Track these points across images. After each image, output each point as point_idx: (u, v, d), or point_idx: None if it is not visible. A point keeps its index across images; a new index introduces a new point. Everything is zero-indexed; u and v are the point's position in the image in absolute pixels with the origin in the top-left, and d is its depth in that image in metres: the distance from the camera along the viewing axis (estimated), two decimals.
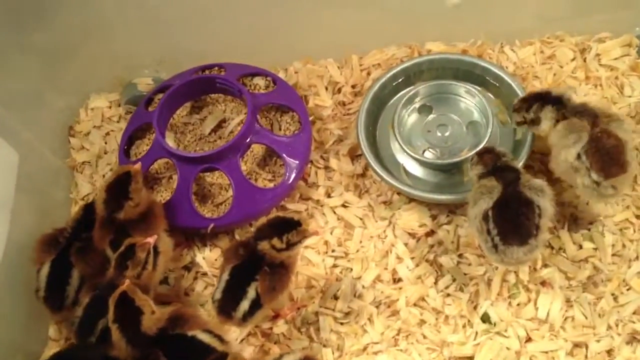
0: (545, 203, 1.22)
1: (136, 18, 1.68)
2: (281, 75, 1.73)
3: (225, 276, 1.27)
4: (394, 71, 1.61)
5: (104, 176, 1.70)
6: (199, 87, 1.62)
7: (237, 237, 1.54)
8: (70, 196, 1.69)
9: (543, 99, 1.33)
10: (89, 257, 1.38)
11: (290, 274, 1.28)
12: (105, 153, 1.74)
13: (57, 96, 1.77)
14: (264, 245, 1.24)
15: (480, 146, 1.44)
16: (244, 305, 1.25)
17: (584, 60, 1.64)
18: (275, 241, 1.23)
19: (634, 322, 1.31)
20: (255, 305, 1.25)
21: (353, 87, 1.70)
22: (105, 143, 1.76)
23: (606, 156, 1.24)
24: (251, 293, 1.25)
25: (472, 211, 1.27)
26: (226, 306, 1.26)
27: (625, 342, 1.29)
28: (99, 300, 1.26)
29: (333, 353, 1.37)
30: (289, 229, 1.23)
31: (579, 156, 1.25)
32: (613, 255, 1.39)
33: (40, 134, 1.67)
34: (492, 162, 1.29)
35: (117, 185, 1.37)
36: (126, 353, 1.18)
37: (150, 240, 1.29)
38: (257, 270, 1.25)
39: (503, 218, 1.22)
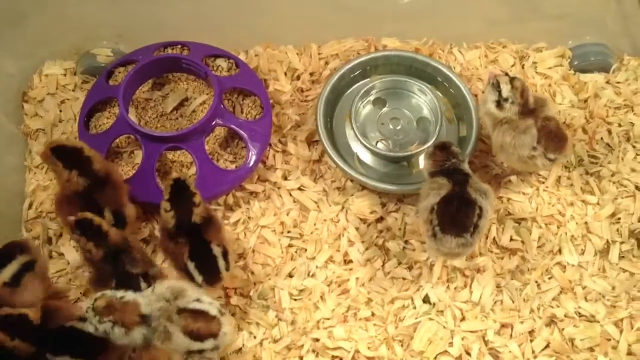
0: (487, 205, 1.36)
1: None
2: (242, 57, 1.78)
3: None
4: (352, 64, 1.71)
5: None
6: (164, 65, 1.65)
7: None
8: (25, 163, 1.69)
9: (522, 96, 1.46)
10: None
11: None
12: (60, 121, 1.74)
13: (10, 60, 1.74)
14: None
15: (430, 143, 1.57)
16: None
17: (522, 67, 1.80)
18: None
19: (552, 307, 1.49)
20: None
21: (311, 74, 1.78)
22: (60, 111, 1.76)
23: (555, 137, 1.44)
24: None
25: (422, 204, 1.39)
26: None
27: (545, 324, 1.47)
28: None
29: (287, 327, 1.48)
30: None
31: (534, 147, 1.44)
32: (538, 247, 1.56)
33: None
34: (442, 161, 1.40)
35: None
36: None
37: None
38: None
39: (445, 211, 1.34)
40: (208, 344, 1.23)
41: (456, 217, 1.34)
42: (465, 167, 1.40)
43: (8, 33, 1.69)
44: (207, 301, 1.26)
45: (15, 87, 1.76)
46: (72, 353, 1.22)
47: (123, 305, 1.18)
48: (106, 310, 1.17)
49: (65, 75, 1.80)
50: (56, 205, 1.44)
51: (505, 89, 1.44)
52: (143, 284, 1.32)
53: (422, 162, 1.47)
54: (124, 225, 1.43)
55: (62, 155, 1.37)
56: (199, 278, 1.33)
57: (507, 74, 1.47)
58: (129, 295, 1.21)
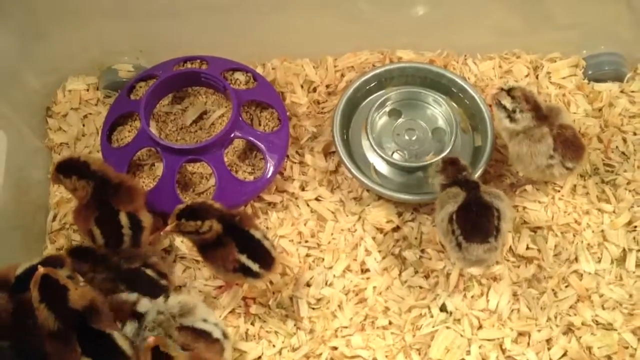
0: (504, 207, 1.38)
1: (111, 2, 1.72)
2: (259, 70, 1.82)
3: None
4: (368, 76, 1.73)
5: None
6: (184, 79, 1.69)
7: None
8: (49, 176, 1.73)
9: (529, 101, 1.47)
10: None
11: None
12: (84, 135, 1.79)
13: (34, 76, 1.79)
14: None
15: (445, 152, 1.60)
16: None
17: (537, 77, 1.82)
18: None
19: (570, 315, 1.50)
20: None
21: (327, 86, 1.81)
22: (83, 125, 1.80)
23: (572, 146, 1.45)
24: None
25: (439, 215, 1.41)
26: None
27: (562, 332, 1.48)
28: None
29: (306, 336, 1.50)
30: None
31: (551, 156, 1.44)
32: (554, 255, 1.57)
33: (19, 114, 1.71)
34: (454, 175, 1.43)
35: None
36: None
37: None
38: None
39: (466, 219, 1.36)
40: None
41: (478, 222, 1.36)
42: (474, 178, 1.41)
43: (32, 50, 1.74)
44: (212, 322, 1.29)
45: (39, 103, 1.81)
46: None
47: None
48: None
49: (88, 90, 1.85)
50: (74, 216, 1.49)
51: (508, 102, 1.46)
52: None
53: (432, 176, 1.48)
54: (141, 230, 1.47)
55: (63, 169, 1.43)
56: (255, 267, 1.36)
57: (502, 88, 1.49)
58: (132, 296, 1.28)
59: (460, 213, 1.37)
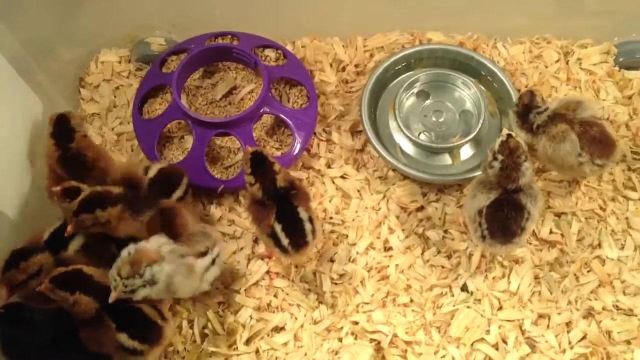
0: (535, 210, 1.36)
1: None
2: (289, 48, 1.83)
3: None
4: (397, 57, 1.74)
5: (113, 129, 1.78)
6: (216, 54, 1.71)
7: (240, 198, 1.66)
8: None
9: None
10: None
11: None
12: (115, 107, 1.82)
13: (68, 47, 1.82)
14: None
15: (472, 135, 1.61)
16: None
17: (567, 62, 1.81)
18: None
19: (590, 300, 1.51)
20: None
21: (356, 66, 1.82)
22: (115, 97, 1.83)
23: (600, 143, 1.43)
24: None
25: (470, 202, 1.41)
26: None
27: (582, 316, 1.49)
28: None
29: (327, 310, 1.53)
30: None
31: (579, 154, 1.43)
32: (577, 241, 1.57)
33: (54, 84, 1.74)
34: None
35: (60, 124, 1.46)
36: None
37: None
38: None
39: (494, 217, 1.35)
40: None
41: (506, 224, 1.35)
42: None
43: (66, 22, 1.77)
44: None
45: (73, 73, 1.85)
46: (131, 333, 1.29)
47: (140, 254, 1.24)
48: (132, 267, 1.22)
49: (120, 62, 1.88)
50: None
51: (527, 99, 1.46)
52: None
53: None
54: None
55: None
56: (285, 241, 1.35)
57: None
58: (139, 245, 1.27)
59: (491, 210, 1.36)
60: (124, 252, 1.24)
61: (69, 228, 1.31)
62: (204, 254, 1.34)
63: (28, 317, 1.24)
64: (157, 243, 1.29)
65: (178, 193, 1.45)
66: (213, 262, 1.36)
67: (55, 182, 1.42)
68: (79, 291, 1.23)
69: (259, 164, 1.35)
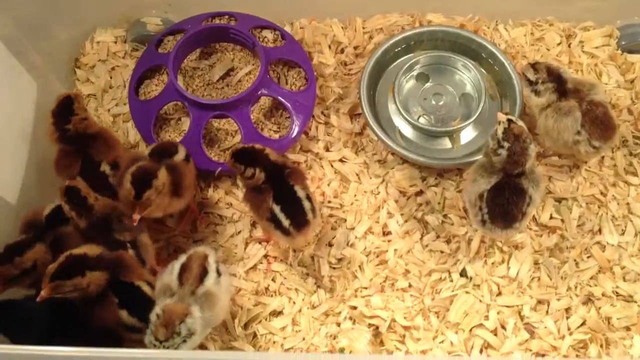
0: (537, 195, 1.35)
1: None
2: (287, 29, 1.80)
3: None
4: (397, 38, 1.72)
5: (108, 110, 1.76)
6: (213, 35, 1.68)
7: (238, 181, 1.64)
8: None
9: (551, 74, 1.47)
10: None
11: None
12: (111, 87, 1.79)
13: (63, 27, 1.79)
14: None
15: (472, 118, 1.59)
16: None
17: (569, 45, 1.78)
18: None
19: (590, 286, 1.50)
20: None
21: (355, 48, 1.80)
22: (111, 78, 1.80)
23: (601, 125, 1.44)
24: None
25: (470, 186, 1.39)
26: None
27: (582, 302, 1.48)
28: None
29: (326, 294, 1.51)
30: None
31: (578, 132, 1.43)
32: (578, 226, 1.56)
33: (48, 64, 1.71)
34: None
35: (62, 106, 1.45)
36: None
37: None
38: None
39: (495, 202, 1.34)
40: None
41: (507, 208, 1.34)
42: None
43: (60, 0, 1.74)
44: None
45: (68, 54, 1.82)
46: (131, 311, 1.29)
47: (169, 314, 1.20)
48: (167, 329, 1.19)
49: (115, 42, 1.85)
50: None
51: (531, 74, 1.48)
52: (130, 251, 1.36)
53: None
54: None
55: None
56: (286, 222, 1.34)
57: (528, 63, 1.51)
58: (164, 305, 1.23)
59: (492, 195, 1.35)
60: (153, 316, 1.21)
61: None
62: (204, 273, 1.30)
63: (20, 314, 1.25)
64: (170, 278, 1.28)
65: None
66: (218, 272, 1.31)
67: (64, 157, 1.47)
68: (88, 270, 1.24)
69: (244, 157, 1.35)
